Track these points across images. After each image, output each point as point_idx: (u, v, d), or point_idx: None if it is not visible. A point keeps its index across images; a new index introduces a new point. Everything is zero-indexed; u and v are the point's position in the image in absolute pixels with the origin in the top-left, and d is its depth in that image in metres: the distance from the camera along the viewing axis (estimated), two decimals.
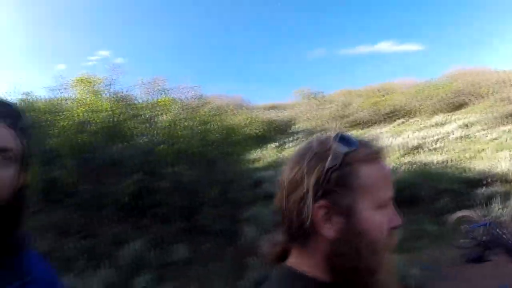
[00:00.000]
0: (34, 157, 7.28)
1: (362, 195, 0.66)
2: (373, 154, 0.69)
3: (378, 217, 0.67)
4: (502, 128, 14.53)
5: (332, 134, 0.70)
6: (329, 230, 0.66)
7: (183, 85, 8.42)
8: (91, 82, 7.74)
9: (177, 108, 8.07)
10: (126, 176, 6.88)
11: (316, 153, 0.68)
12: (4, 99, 0.95)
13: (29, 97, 9.07)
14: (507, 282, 4.96)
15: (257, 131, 12.97)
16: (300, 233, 0.68)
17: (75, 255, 5.79)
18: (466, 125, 15.83)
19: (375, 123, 19.40)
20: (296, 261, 0.70)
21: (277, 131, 18.51)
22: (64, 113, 7.56)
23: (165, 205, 6.95)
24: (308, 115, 20.43)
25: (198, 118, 8.09)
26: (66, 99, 8.47)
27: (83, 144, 6.89)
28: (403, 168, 12.13)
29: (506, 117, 15.23)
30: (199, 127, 7.95)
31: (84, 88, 7.74)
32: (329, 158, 0.66)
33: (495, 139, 13.90)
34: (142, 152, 7.26)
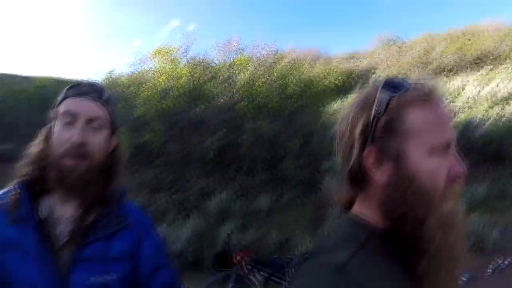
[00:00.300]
0: (124, 125, 8.12)
1: (410, 140, 0.64)
2: (421, 96, 0.66)
3: (430, 163, 0.64)
4: None
5: (379, 81, 0.70)
6: (380, 176, 0.66)
7: (258, 42, 8.42)
8: (167, 52, 8.16)
9: (254, 66, 8.17)
10: (209, 134, 7.31)
11: (362, 102, 0.69)
12: (88, 80, 1.23)
13: (112, 75, 9.97)
14: None
15: (336, 82, 12.41)
16: (358, 180, 0.69)
17: (167, 208, 6.43)
18: None
19: (461, 70, 17.57)
20: (359, 208, 0.71)
21: (356, 81, 17.64)
22: (146, 84, 8.16)
23: (248, 159, 7.33)
24: (388, 62, 19.16)
25: (275, 73, 8.13)
26: (147, 71, 9.11)
27: (167, 109, 7.43)
28: (490, 120, 11.14)
29: None
30: (277, 82, 8.02)
31: (162, 59, 8.22)
32: (374, 105, 0.66)
33: None
34: (223, 111, 7.62)
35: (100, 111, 1.06)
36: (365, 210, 0.69)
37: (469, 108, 12.74)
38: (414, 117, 0.65)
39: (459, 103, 13.60)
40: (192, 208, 6.37)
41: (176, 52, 8.10)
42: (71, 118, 1.02)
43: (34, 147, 1.07)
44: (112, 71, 10.00)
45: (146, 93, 7.80)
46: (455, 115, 11.61)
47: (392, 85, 0.68)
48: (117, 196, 1.13)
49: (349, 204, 0.74)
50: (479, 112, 11.83)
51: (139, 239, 1.10)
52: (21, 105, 12.00)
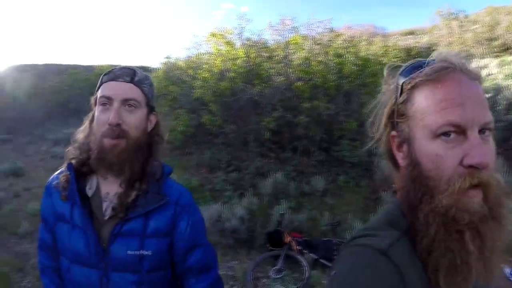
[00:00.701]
0: (183, 107, 8.49)
1: (416, 122, 0.64)
2: (430, 76, 0.63)
3: (434, 147, 0.60)
4: None
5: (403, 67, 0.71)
6: (401, 159, 0.68)
7: (312, 20, 8.15)
8: (222, 35, 8.23)
9: (309, 45, 7.99)
10: (266, 115, 7.39)
11: (387, 88, 0.72)
12: (122, 65, 1.25)
13: (170, 59, 10.39)
14: None
15: (395, 60, 11.75)
16: (394, 166, 0.72)
17: (223, 187, 6.68)
18: None
19: None
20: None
21: (417, 58, 16.24)
22: (203, 66, 8.37)
23: (304, 139, 7.30)
24: (449, 39, 17.29)
25: (331, 52, 7.89)
26: (203, 54, 9.35)
27: (224, 91, 7.57)
28: None
29: None
30: (333, 61, 7.79)
31: (217, 41, 8.33)
32: (392, 91, 0.70)
33: None
34: (279, 91, 7.60)
35: (133, 91, 1.13)
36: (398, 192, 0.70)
37: None
38: (420, 99, 0.63)
39: None
40: (247, 187, 6.55)
41: (231, 34, 8.18)
42: (107, 101, 1.09)
43: (80, 132, 1.18)
44: (169, 56, 10.45)
45: (203, 75, 8.03)
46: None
47: (410, 69, 0.68)
48: (158, 174, 1.17)
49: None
50: None
51: (176, 217, 1.15)
52: (84, 92, 13.38)
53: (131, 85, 1.13)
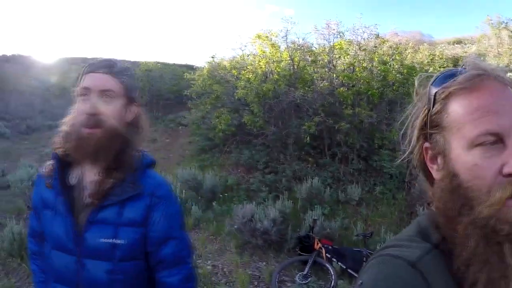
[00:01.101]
0: (225, 106, 8.62)
1: (452, 133, 0.62)
2: (465, 85, 0.61)
3: (472, 157, 0.58)
4: None
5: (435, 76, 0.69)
6: (435, 172, 0.66)
7: (358, 25, 8.01)
8: (267, 36, 8.29)
9: (354, 50, 7.88)
10: (307, 118, 7.38)
11: (419, 98, 0.70)
12: (103, 57, 1.32)
13: (215, 59, 10.57)
14: None
15: (441, 69, 11.19)
16: (428, 178, 0.70)
17: (259, 187, 6.76)
18: None
19: None
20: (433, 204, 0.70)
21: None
22: (247, 67, 8.45)
23: (344, 146, 7.23)
24: (499, 49, 16.01)
25: (376, 58, 7.75)
26: (248, 55, 9.44)
27: (267, 92, 7.61)
28: None
29: None
30: (378, 68, 7.63)
31: (263, 43, 8.41)
32: (425, 102, 0.68)
33: None
34: (322, 95, 7.55)
35: (112, 82, 1.15)
36: (434, 205, 0.68)
37: None
38: (455, 108, 0.62)
39: None
40: (282, 190, 6.58)
41: (276, 37, 8.25)
42: (86, 92, 1.13)
43: (65, 122, 1.21)
44: (214, 56, 10.65)
45: (247, 76, 8.13)
46: None
47: (442, 78, 0.67)
48: (136, 164, 1.20)
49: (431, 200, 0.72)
50: None
51: (151, 208, 1.17)
52: None
53: (109, 76, 1.15)
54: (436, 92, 0.65)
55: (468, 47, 18.43)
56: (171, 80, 15.37)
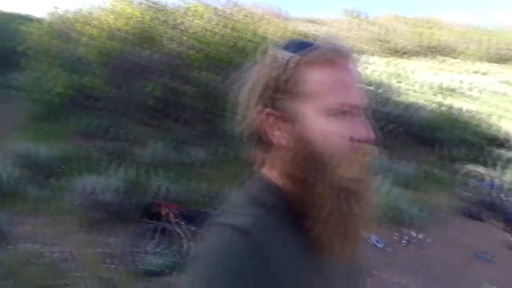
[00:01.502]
0: (63, 66, 7.37)
1: (308, 101, 0.63)
2: (323, 56, 0.63)
3: (326, 125, 0.62)
4: None
5: (282, 42, 0.68)
6: (279, 138, 0.66)
7: None
8: None
9: (209, 15, 7.79)
10: (153, 81, 6.99)
11: (264, 62, 0.66)
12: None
13: (58, 10, 8.86)
14: (490, 249, 5.09)
15: None
16: (262, 143, 0.68)
17: (100, 157, 6.18)
18: (507, 82, 14.94)
19: (416, 54, 18.39)
20: (268, 170, 0.70)
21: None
22: (92, 22, 7.45)
23: (189, 109, 7.18)
24: (347, 33, 19.32)
25: (230, 25, 7.78)
26: (95, 8, 8.28)
27: (112, 51, 6.89)
28: (430, 107, 11.81)
29: None
30: (230, 34, 7.69)
31: None
32: (273, 66, 0.64)
33: None
34: (170, 57, 7.23)
35: None
36: (272, 172, 0.68)
37: (414, 92, 13.40)
38: (312, 78, 0.63)
39: (405, 85, 14.15)
40: (125, 156, 6.17)
41: None
42: None
43: None
44: (57, 7, 8.87)
45: (91, 31, 7.12)
46: (397, 95, 12.03)
47: (296, 44, 0.65)
48: None
49: (261, 165, 0.72)
50: (422, 98, 12.49)
51: None
52: None
53: None
54: (290, 58, 0.63)
55: (320, 27, 20.56)
56: (3, 33, 12.02)
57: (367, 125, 0.65)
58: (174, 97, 7.28)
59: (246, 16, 8.48)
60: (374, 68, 15.02)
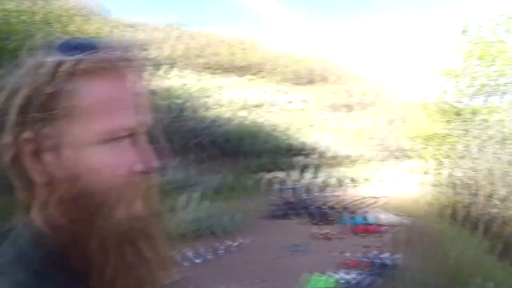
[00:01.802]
0: None
1: (77, 122, 0.49)
2: (103, 64, 0.49)
3: (100, 156, 0.50)
4: (336, 114, 16.99)
5: (55, 41, 0.52)
6: (41, 174, 0.50)
7: None
8: None
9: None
10: None
11: (29, 67, 0.50)
12: None
13: None
14: (302, 242, 5.82)
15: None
16: (23, 180, 0.52)
17: None
18: (305, 101, 17.74)
19: (226, 72, 19.80)
20: (36, 215, 0.52)
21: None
22: None
23: None
24: (164, 44, 19.32)
25: (40, 15, 6.71)
26: None
27: None
28: (234, 121, 12.75)
29: (344, 106, 17.89)
30: (39, 25, 6.52)
31: None
32: (38, 73, 0.48)
33: (326, 120, 16.16)
34: None
35: None
36: (41, 217, 0.52)
37: (220, 106, 14.42)
38: (86, 91, 0.49)
39: (213, 100, 15.11)
40: None
41: None
42: None
43: None
44: None
45: None
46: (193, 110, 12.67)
47: (74, 46, 0.50)
48: None
49: (29, 208, 0.54)
50: (228, 112, 13.49)
51: None
52: None
53: None
54: (62, 62, 0.48)
55: (139, 33, 19.82)
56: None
57: (149, 152, 0.53)
58: None
59: (61, 7, 7.53)
60: (185, 82, 15.41)
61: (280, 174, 9.51)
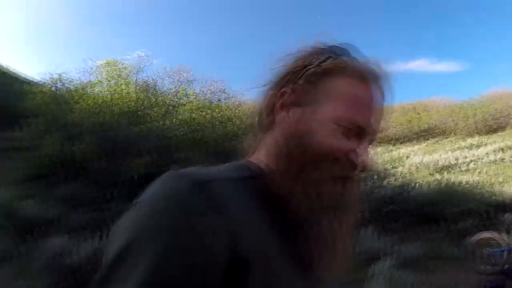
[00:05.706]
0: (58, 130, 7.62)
1: (328, 100, 0.62)
2: (356, 71, 0.63)
3: (331, 129, 0.60)
4: None
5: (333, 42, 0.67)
6: (282, 117, 0.63)
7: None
8: (119, 69, 7.99)
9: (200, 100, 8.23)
10: (140, 157, 7.05)
11: (308, 52, 0.66)
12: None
13: (62, 76, 9.42)
14: None
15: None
16: (262, 125, 0.67)
17: (83, 225, 6.11)
18: (502, 149, 15.15)
19: (408, 140, 18.84)
20: (255, 157, 0.66)
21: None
22: (90, 92, 7.92)
23: None
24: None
25: (221, 113, 8.17)
26: (95, 83, 8.81)
27: (104, 124, 7.15)
28: (429, 186, 11.64)
29: None
30: (221, 119, 8.00)
31: (112, 73, 8.03)
32: (313, 56, 0.64)
33: None
34: (159, 136, 7.37)
35: None
36: (260, 155, 0.65)
37: (410, 173, 13.42)
38: (342, 84, 0.62)
39: (402, 169, 14.23)
40: (102, 226, 5.83)
41: (127, 71, 7.91)
42: None
43: None
44: (61, 74, 9.47)
45: (87, 101, 7.49)
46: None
47: (342, 49, 0.65)
48: None
49: (252, 152, 0.68)
50: (419, 178, 12.42)
51: None
52: None
53: None
54: (333, 56, 0.64)
55: None
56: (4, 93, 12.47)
57: (366, 152, 0.63)
58: (159, 174, 7.20)
59: (235, 103, 8.86)
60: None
61: (488, 234, 7.89)
